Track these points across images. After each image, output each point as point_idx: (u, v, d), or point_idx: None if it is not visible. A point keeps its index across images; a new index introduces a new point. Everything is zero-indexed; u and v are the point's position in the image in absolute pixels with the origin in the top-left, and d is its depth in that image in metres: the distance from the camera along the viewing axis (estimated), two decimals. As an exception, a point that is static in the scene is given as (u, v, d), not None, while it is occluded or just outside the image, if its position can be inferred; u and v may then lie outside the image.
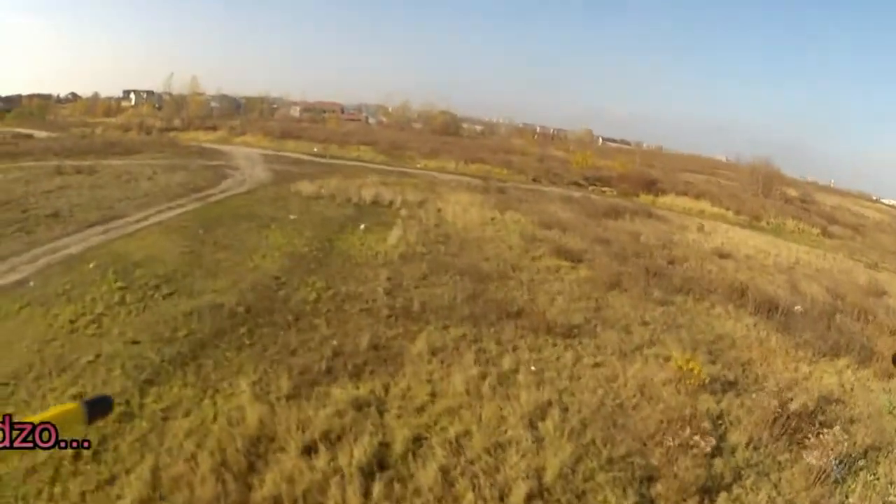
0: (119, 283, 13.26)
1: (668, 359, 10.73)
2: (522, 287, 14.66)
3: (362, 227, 21.97)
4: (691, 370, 9.73)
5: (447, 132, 73.76)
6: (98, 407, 1.47)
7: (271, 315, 12.72)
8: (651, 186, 40.66)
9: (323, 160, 39.25)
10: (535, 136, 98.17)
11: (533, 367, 9.90)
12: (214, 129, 62.04)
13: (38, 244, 16.36)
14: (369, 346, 10.86)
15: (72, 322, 11.33)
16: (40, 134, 49.29)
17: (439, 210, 24.12)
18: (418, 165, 41.46)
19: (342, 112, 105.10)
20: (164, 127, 63.54)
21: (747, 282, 17.44)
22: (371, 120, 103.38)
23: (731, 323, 14.09)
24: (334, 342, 11.34)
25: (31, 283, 13.26)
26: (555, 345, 11.12)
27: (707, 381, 9.83)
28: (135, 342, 10.90)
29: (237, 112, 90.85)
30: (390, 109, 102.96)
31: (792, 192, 51.88)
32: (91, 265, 14.44)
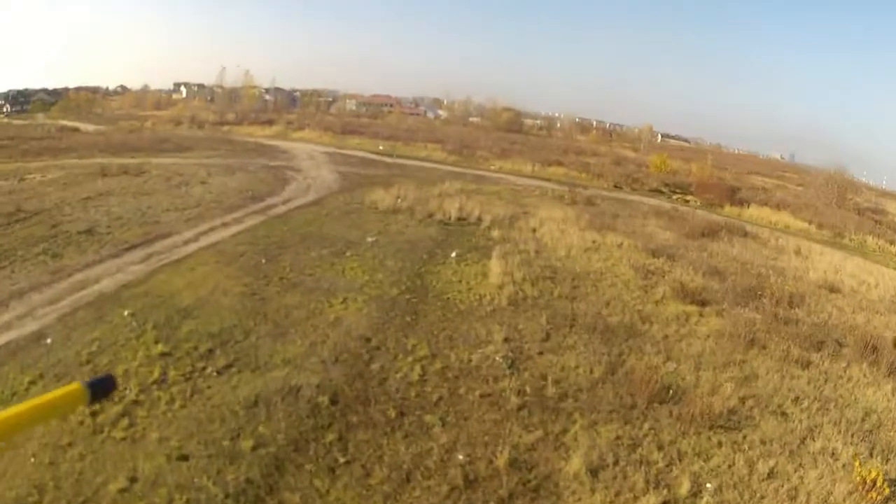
0: (160, 347, 10.03)
1: (835, 456, 9.63)
2: (658, 347, 12.74)
3: (454, 254, 18.46)
4: (873, 480, 8.66)
5: (512, 129, 73.49)
6: (101, 387, 1.35)
7: (366, 407, 9.22)
8: (733, 196, 39.34)
9: (391, 160, 37.76)
10: (594, 132, 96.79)
11: (709, 485, 8.48)
12: (270, 123, 61.00)
13: (64, 275, 13.50)
14: (508, 463, 8.30)
15: (96, 416, 8.02)
16: (87, 127, 49.40)
17: (534, 230, 21.77)
18: (492, 168, 39.98)
19: (400, 105, 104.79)
20: (217, 121, 62.91)
21: (868, 328, 16.23)
22: (430, 114, 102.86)
23: (871, 392, 12.22)
24: (460, 457, 8.50)
25: (49, 340, 10.21)
26: (720, 444, 9.48)
27: (888, 492, 8.61)
28: (182, 456, 7.61)
29: (292, 106, 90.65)
30: (454, 104, 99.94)
31: (861, 201, 50.40)
32: (126, 313, 11.25)
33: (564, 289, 15.54)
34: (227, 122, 61.97)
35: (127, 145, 36.63)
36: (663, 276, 17.41)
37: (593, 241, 20.71)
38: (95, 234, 17.08)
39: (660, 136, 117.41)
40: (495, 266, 16.56)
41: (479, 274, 16.30)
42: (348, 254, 17.16)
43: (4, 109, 79.10)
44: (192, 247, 16.16)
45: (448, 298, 14.41)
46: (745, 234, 26.97)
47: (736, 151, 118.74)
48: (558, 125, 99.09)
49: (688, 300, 15.58)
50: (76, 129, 46.58)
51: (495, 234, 21.27)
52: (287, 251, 16.69)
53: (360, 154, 39.81)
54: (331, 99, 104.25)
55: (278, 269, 14.98)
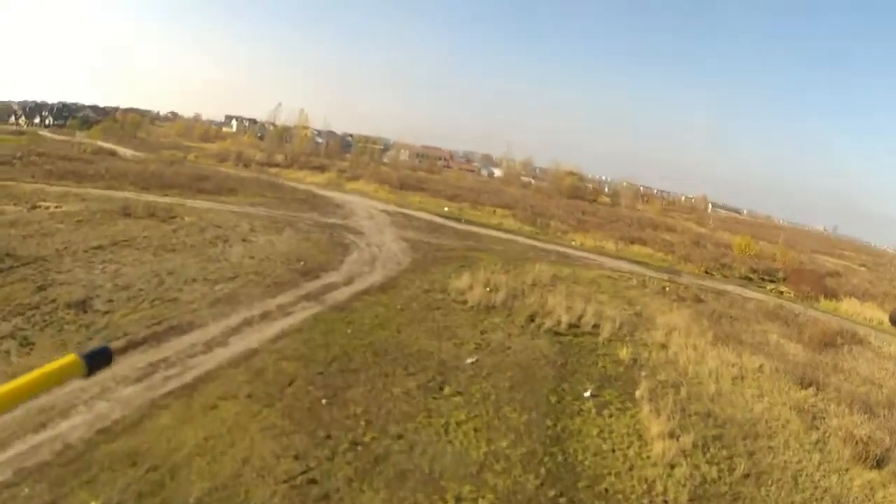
0: None
1: None
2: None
3: (588, 394, 14.80)
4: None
5: (575, 195, 75.57)
6: (98, 358, 1.48)
7: None
8: (825, 286, 38.99)
9: (460, 226, 36.11)
10: (656, 201, 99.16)
11: None
12: (322, 169, 60.29)
13: None
14: None
15: None
16: (125, 152, 48.85)
17: (663, 346, 19.18)
18: (573, 243, 39.14)
19: (453, 160, 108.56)
20: (264, 161, 62.03)
21: None
22: (483, 172, 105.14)
23: None
24: None
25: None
26: None
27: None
28: None
29: (344, 150, 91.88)
30: (512, 163, 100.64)
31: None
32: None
33: (742, 460, 12.56)
34: (276, 164, 61.25)
35: (162, 179, 34.48)
36: (824, 419, 15.84)
37: (732, 365, 18.79)
38: (89, 312, 13.03)
39: (710, 206, 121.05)
40: (650, 420, 13.43)
41: (631, 433, 12.65)
42: (447, 390, 12.58)
43: (47, 121, 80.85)
44: (218, 357, 11.69)
45: (608, 491, 10.15)
46: (860, 342, 26.22)
47: (781, 222, 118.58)
48: (623, 191, 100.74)
49: (865, 461, 14.08)
50: (113, 153, 45.90)
51: (623, 353, 17.73)
52: (357, 379, 12.04)
53: (425, 216, 37.89)
54: (383, 147, 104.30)
55: (346, 420, 10.26)
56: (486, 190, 60.86)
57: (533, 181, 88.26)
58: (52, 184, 29.16)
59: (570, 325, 19.15)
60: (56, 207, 23.25)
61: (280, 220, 28.48)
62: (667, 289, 28.03)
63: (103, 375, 10.35)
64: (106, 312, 13.05)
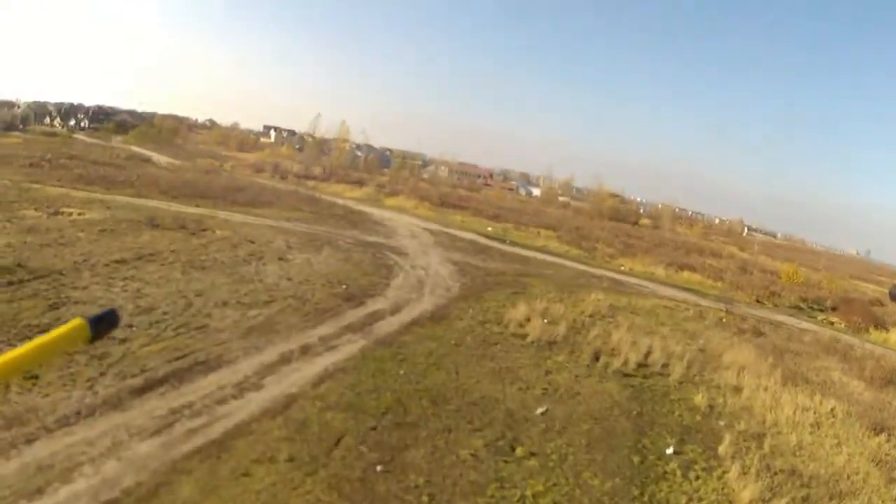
0: None
1: None
2: None
3: (670, 452, 13.07)
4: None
5: (616, 217, 76.40)
6: (104, 322, 1.48)
7: None
8: (875, 316, 38.57)
9: (505, 247, 35.63)
10: (695, 225, 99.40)
11: None
12: (361, 184, 60.04)
13: (8, 440, 7.37)
14: None
15: None
16: (160, 159, 48.60)
17: (736, 390, 18.10)
18: (622, 268, 38.82)
19: (491, 178, 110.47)
20: (302, 173, 62.23)
21: None
22: (521, 190, 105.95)
23: None
24: None
25: None
26: None
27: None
28: None
29: (383, 165, 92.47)
30: (553, 183, 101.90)
31: None
32: None
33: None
34: (314, 177, 61.27)
35: (196, 188, 33.86)
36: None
37: (806, 409, 18.16)
38: (105, 339, 11.06)
39: (745, 229, 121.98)
40: (738, 483, 12.09)
41: (722, 500, 11.18)
42: (519, 451, 10.79)
43: (82, 124, 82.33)
44: (252, 404, 9.94)
45: None
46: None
47: (815, 246, 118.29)
48: (642, 209, 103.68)
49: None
50: (147, 160, 45.91)
51: (698, 399, 16.42)
52: (415, 437, 10.20)
53: (468, 236, 37.05)
54: (421, 163, 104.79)
55: (407, 495, 8.35)
56: (527, 210, 60.97)
57: (572, 201, 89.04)
58: (80, 189, 28.59)
59: (639, 365, 17.85)
60: (79, 214, 22.36)
61: (318, 237, 27.36)
62: (724, 320, 27.71)
63: (114, 423, 8.72)
64: (123, 340, 11.48)
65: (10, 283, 14.10)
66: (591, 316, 21.44)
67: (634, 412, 14.21)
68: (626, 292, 28.83)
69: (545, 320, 19.36)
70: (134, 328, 12.72)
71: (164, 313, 13.82)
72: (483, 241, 36.41)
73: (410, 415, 11.13)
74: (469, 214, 47.98)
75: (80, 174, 32.05)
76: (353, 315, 16.78)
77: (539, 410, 13.08)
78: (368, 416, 10.62)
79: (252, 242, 23.47)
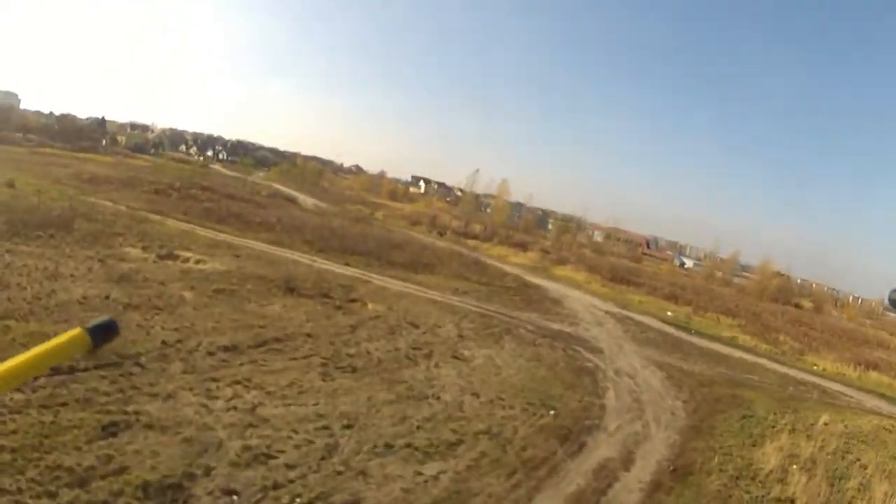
0: None
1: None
2: None
3: None
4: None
5: (780, 298, 75.38)
6: (103, 332, 1.58)
7: None
8: None
9: (695, 340, 35.17)
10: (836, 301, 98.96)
11: None
12: (524, 247, 59.73)
13: None
14: None
15: None
16: (306, 200, 48.36)
17: None
18: (815, 367, 38.02)
19: (647, 246, 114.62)
20: (461, 230, 62.50)
21: None
22: (676, 261, 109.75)
23: None
24: None
25: None
26: None
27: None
28: None
29: (540, 226, 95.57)
30: (715, 258, 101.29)
31: None
32: None
33: None
34: (474, 235, 61.73)
35: (345, 240, 32.08)
36: None
37: None
38: None
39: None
40: None
41: None
42: None
43: (220, 156, 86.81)
44: None
45: None
46: None
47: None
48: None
49: None
50: (291, 200, 45.99)
51: None
52: None
53: (652, 323, 36.77)
54: (575, 225, 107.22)
55: None
56: (694, 287, 61.96)
57: (734, 279, 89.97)
58: (207, 226, 27.22)
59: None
60: (196, 262, 19.78)
61: (495, 320, 24.59)
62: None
63: None
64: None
65: (58, 372, 10.00)
66: (832, 453, 18.91)
67: None
68: (837, 405, 27.27)
69: (797, 467, 17.18)
70: (237, 499, 7.69)
71: (292, 468, 8.79)
72: (669, 329, 35.81)
73: None
74: (643, 292, 48.66)
75: (210, 209, 30.94)
76: (578, 471, 12.60)
77: None
78: None
79: (415, 326, 19.91)
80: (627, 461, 14.04)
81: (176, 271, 17.66)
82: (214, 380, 10.88)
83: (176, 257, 19.62)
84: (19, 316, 11.98)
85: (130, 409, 9.44)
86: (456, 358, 17.73)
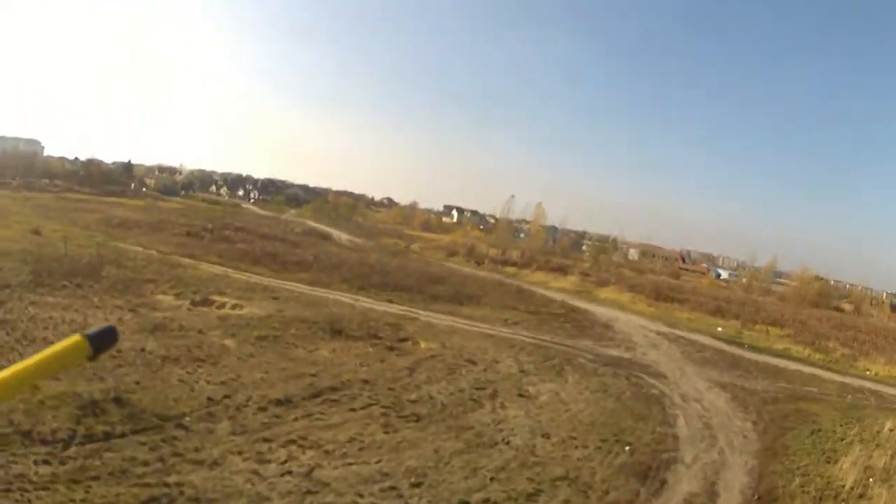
0: None
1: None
2: None
3: None
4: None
5: (820, 304, 74.16)
6: (103, 339, 1.50)
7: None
8: None
9: (750, 355, 34.54)
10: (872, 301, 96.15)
11: None
12: (563, 271, 59.08)
13: None
14: None
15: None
16: (341, 236, 48.13)
17: None
18: (867, 372, 37.69)
19: (683, 261, 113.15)
20: (497, 258, 61.41)
21: None
22: (713, 273, 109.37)
23: None
24: None
25: None
26: None
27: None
28: None
29: (574, 248, 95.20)
30: (754, 269, 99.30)
31: None
32: None
33: None
34: (512, 262, 61.01)
35: (385, 276, 31.17)
36: None
37: None
38: None
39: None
40: None
41: None
42: None
43: (252, 195, 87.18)
44: None
45: None
46: None
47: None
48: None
49: None
50: (326, 237, 45.81)
51: None
52: None
53: (705, 340, 36.29)
54: (610, 245, 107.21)
55: None
56: (737, 299, 60.69)
57: (772, 286, 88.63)
58: (242, 269, 26.39)
59: None
60: (233, 307, 18.80)
61: (552, 351, 23.82)
62: None
63: None
64: None
65: (91, 439, 8.87)
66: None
67: None
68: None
69: (874, 479, 17.10)
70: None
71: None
72: (723, 346, 35.67)
73: None
74: (688, 309, 48.19)
75: (245, 251, 30.09)
76: None
77: None
78: None
79: (473, 363, 18.82)
80: (712, 494, 13.52)
81: (213, 318, 16.77)
82: (266, 440, 9.70)
83: (211, 303, 18.75)
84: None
85: (172, 480, 8.34)
86: (521, 396, 16.87)
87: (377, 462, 10.22)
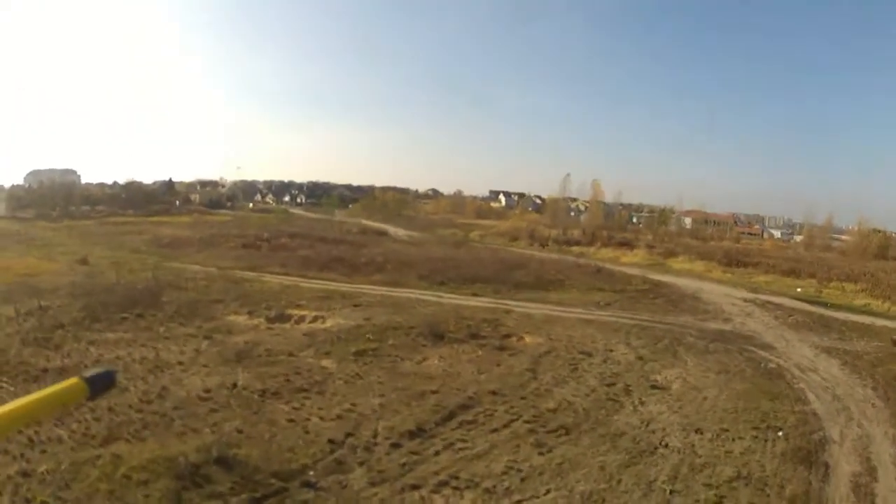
0: None
1: None
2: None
3: None
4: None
5: (883, 255, 74.74)
6: (101, 382, 1.66)
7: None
8: None
9: (836, 314, 33.61)
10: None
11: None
12: (629, 245, 59.23)
13: None
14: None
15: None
16: (397, 232, 47.29)
17: None
18: None
19: (737, 224, 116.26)
20: (560, 238, 61.04)
21: None
22: (765, 234, 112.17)
23: None
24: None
25: None
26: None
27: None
28: None
29: (631, 223, 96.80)
30: (812, 227, 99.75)
31: None
32: None
33: None
34: (575, 241, 60.78)
35: (459, 268, 29.91)
36: None
37: None
38: None
39: None
40: None
41: None
42: None
43: (299, 199, 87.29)
44: None
45: None
46: None
47: None
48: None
49: None
50: (383, 233, 45.07)
51: None
52: None
53: (790, 303, 35.53)
54: (668, 215, 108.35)
55: None
56: (809, 259, 60.38)
57: (831, 242, 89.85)
58: (310, 276, 25.20)
59: None
60: (314, 320, 17.32)
61: (657, 331, 22.85)
62: None
63: None
64: None
65: None
66: None
67: None
68: None
69: None
70: None
71: None
72: (808, 307, 34.80)
73: None
74: (762, 272, 48.48)
75: (307, 256, 29.10)
76: (843, 497, 11.05)
77: None
78: None
79: (588, 355, 17.35)
80: (870, 469, 12.72)
81: (298, 336, 15.23)
82: (414, 487, 7.98)
83: (289, 318, 17.36)
84: (130, 434, 9.02)
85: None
86: (654, 388, 15.58)
87: (547, 493, 8.53)
